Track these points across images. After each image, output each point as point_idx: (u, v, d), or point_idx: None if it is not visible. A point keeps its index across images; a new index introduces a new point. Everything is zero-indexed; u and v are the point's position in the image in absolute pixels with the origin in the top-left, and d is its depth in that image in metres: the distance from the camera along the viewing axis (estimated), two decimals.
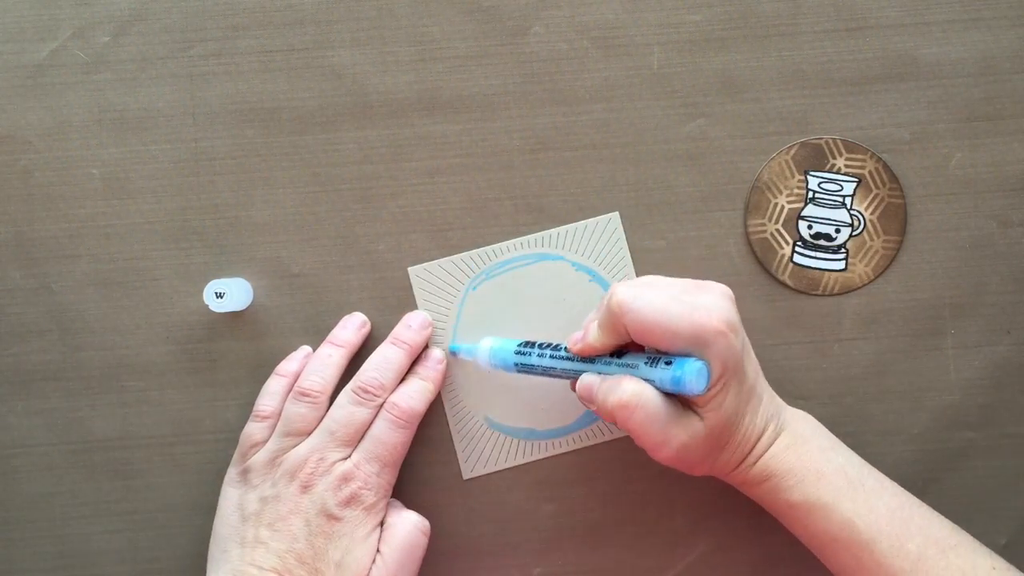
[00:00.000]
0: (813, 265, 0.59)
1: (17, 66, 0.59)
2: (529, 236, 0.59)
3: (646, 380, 0.50)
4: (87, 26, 0.59)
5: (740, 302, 0.59)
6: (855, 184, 0.59)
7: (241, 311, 0.59)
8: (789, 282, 0.59)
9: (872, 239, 0.59)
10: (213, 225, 0.59)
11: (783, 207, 0.59)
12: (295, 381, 0.57)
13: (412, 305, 0.59)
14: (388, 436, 0.55)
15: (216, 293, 0.56)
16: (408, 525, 0.56)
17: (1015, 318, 0.59)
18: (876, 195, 0.59)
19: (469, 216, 0.59)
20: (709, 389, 0.50)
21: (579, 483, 0.59)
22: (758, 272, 0.59)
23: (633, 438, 0.52)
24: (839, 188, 0.59)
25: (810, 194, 0.59)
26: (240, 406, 0.59)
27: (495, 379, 0.59)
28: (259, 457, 0.56)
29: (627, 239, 0.59)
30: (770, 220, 0.59)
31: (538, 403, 0.59)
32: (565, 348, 0.54)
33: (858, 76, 0.59)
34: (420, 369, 0.58)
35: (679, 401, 0.52)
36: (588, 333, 0.53)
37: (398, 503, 0.58)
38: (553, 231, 0.59)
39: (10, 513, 0.60)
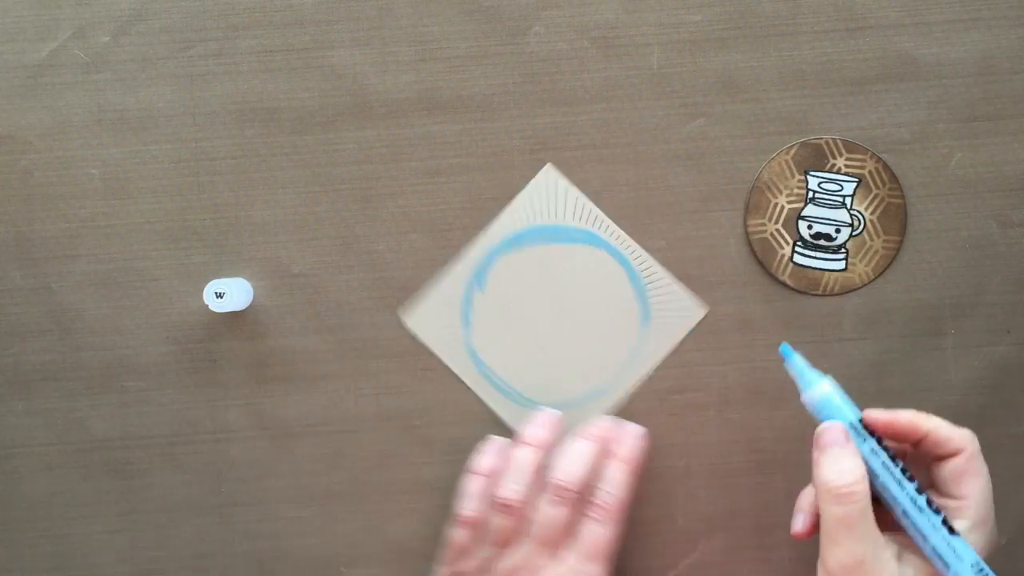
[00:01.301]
0: (813, 265, 0.59)
1: (17, 66, 0.59)
2: (638, 247, 0.59)
3: (931, 534, 0.45)
4: (87, 26, 0.59)
5: (740, 302, 0.59)
6: (855, 184, 0.59)
7: (241, 311, 0.59)
8: (789, 282, 0.59)
9: (872, 239, 0.59)
10: (213, 225, 0.60)
11: (783, 207, 0.59)
12: (498, 479, 0.56)
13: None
14: (599, 535, 0.54)
15: (216, 293, 0.56)
16: None
17: (1015, 318, 0.59)
18: (876, 195, 0.59)
19: (469, 216, 0.59)
20: None
21: None
22: (758, 272, 0.59)
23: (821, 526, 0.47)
24: (839, 188, 0.59)
25: (810, 194, 0.59)
26: (240, 406, 0.59)
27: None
28: (473, 565, 0.55)
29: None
30: (770, 220, 0.59)
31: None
32: (909, 478, 0.47)
33: (858, 76, 0.59)
34: (622, 451, 0.56)
35: (902, 542, 0.48)
36: (897, 416, 0.49)
37: None
38: (657, 267, 0.59)
39: (10, 513, 0.60)
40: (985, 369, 0.59)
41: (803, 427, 0.59)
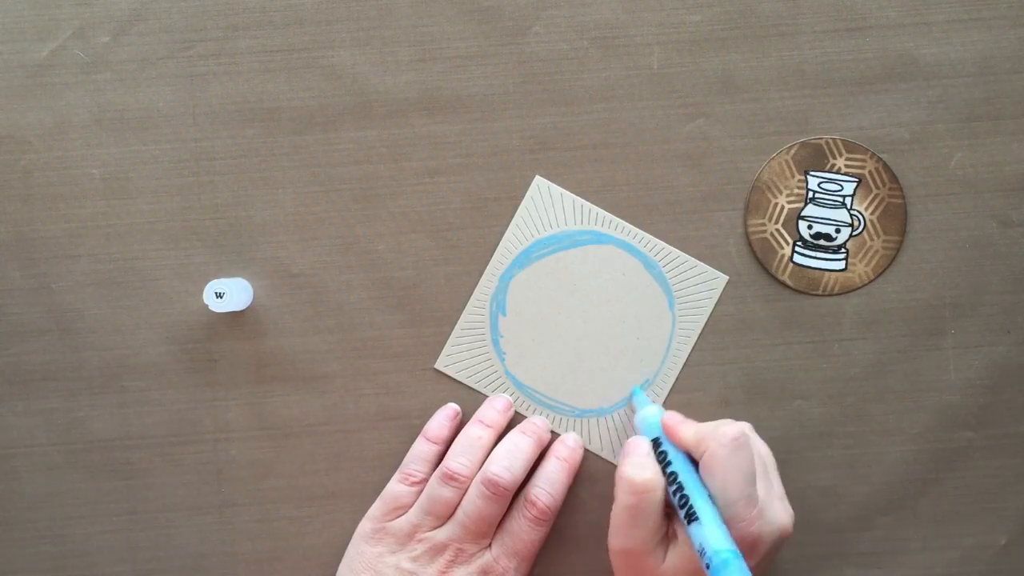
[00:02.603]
0: (813, 265, 0.59)
1: (17, 66, 0.59)
2: (643, 232, 0.59)
3: (706, 534, 0.49)
4: (87, 26, 0.59)
5: (740, 302, 0.59)
6: (855, 184, 0.59)
7: (241, 311, 0.59)
8: (789, 282, 0.59)
9: (872, 239, 0.59)
10: (213, 225, 0.59)
11: (783, 207, 0.59)
12: (445, 449, 0.57)
13: (412, 307, 0.59)
14: (527, 535, 0.56)
15: (216, 293, 0.56)
16: None
17: (1015, 318, 0.59)
18: (876, 195, 0.59)
19: (469, 216, 0.59)
20: None
21: (579, 483, 0.59)
22: (758, 272, 0.59)
23: (613, 510, 0.52)
24: (839, 188, 0.59)
25: (810, 194, 0.59)
26: (240, 406, 0.59)
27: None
28: (399, 525, 0.56)
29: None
30: (770, 220, 0.59)
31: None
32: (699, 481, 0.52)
33: (858, 76, 0.59)
34: (560, 449, 0.58)
35: (671, 530, 0.52)
36: (686, 425, 0.54)
37: None
38: (668, 247, 0.59)
39: (10, 513, 0.60)
40: (985, 369, 0.59)
41: (803, 427, 0.59)
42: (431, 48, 0.59)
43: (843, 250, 0.59)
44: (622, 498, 0.52)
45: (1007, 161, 0.59)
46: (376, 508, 0.57)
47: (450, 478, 0.56)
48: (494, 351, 0.59)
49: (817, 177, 0.59)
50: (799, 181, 0.59)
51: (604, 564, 0.59)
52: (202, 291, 0.57)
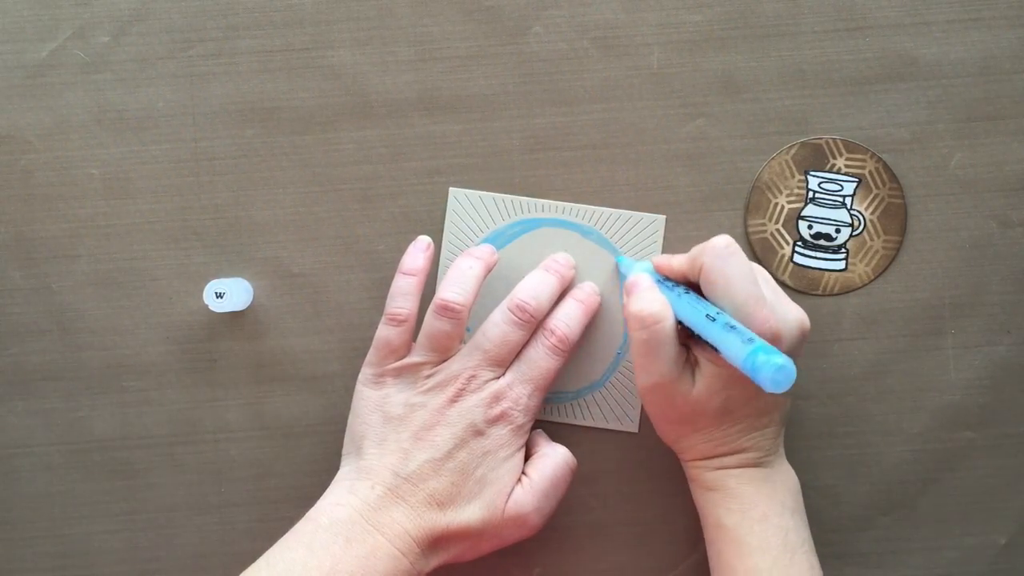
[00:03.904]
0: (813, 265, 0.59)
1: (17, 66, 0.59)
2: (570, 204, 0.59)
3: (729, 339, 0.49)
4: (87, 26, 0.59)
5: None
6: (855, 184, 0.59)
7: (241, 311, 0.59)
8: (789, 282, 0.59)
9: (872, 239, 0.59)
10: (213, 225, 0.59)
11: (783, 207, 0.59)
12: (424, 280, 0.56)
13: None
14: (544, 362, 0.55)
15: (216, 293, 0.56)
16: (560, 458, 0.56)
17: (1015, 318, 0.59)
18: (876, 195, 0.59)
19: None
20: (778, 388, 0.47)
21: (579, 483, 0.59)
22: None
23: (631, 351, 0.53)
24: (839, 188, 0.59)
25: (810, 194, 0.59)
26: (240, 406, 0.59)
27: None
28: (402, 366, 0.55)
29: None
30: (770, 220, 0.59)
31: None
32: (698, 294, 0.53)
33: (858, 76, 0.59)
34: (577, 292, 0.58)
35: (692, 356, 0.53)
36: (675, 258, 0.55)
37: (546, 436, 0.57)
38: (598, 209, 0.59)
39: (10, 513, 0.60)
40: (985, 369, 0.59)
41: (803, 427, 0.59)
42: (431, 48, 0.59)
43: (843, 250, 0.59)
44: (636, 335, 0.52)
45: (1007, 161, 0.59)
46: (371, 355, 0.56)
47: (445, 309, 0.54)
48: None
49: (817, 177, 0.59)
50: (799, 181, 0.59)
51: (604, 564, 0.59)
52: (202, 291, 0.57)
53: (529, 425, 0.55)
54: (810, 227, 0.59)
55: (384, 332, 0.55)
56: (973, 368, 0.59)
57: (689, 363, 0.53)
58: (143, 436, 0.60)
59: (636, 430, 0.59)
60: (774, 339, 0.50)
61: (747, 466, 0.53)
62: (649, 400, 0.54)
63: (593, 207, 0.59)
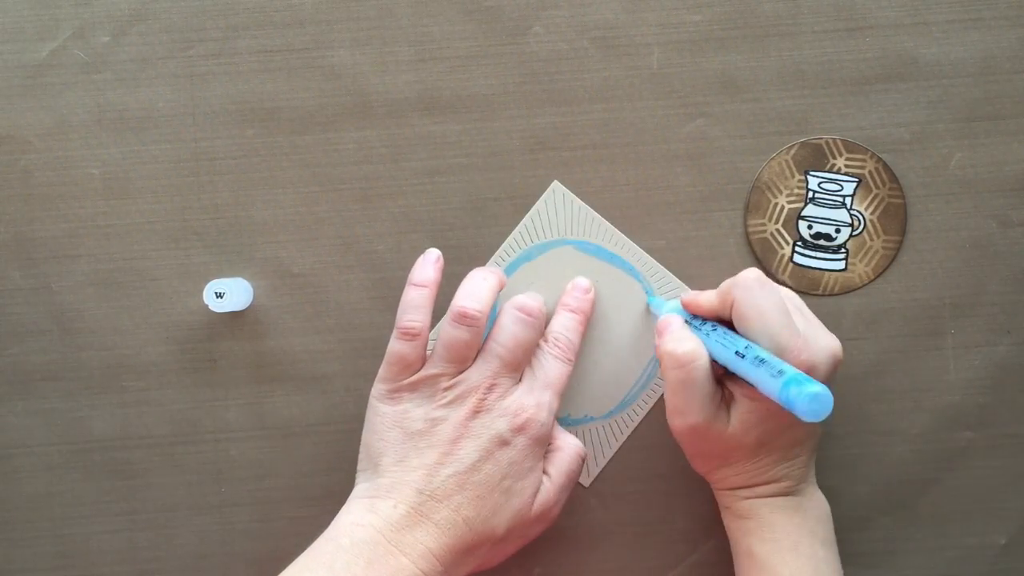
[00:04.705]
0: (813, 265, 0.59)
1: (17, 66, 0.59)
2: (645, 255, 0.59)
3: (760, 373, 0.49)
4: (87, 26, 0.59)
5: None
6: (855, 184, 0.59)
7: (241, 311, 0.59)
8: (789, 282, 0.59)
9: (872, 239, 0.59)
10: (213, 225, 0.60)
11: (783, 207, 0.59)
12: (435, 292, 0.55)
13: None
14: (556, 367, 0.55)
15: (216, 293, 0.56)
16: (574, 450, 0.55)
17: (1015, 318, 0.59)
18: (876, 195, 0.59)
19: (469, 216, 0.59)
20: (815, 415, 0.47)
21: (579, 483, 0.59)
22: None
23: (664, 391, 0.53)
24: (839, 188, 0.59)
25: (810, 194, 0.59)
26: (240, 406, 0.59)
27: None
28: (419, 379, 0.54)
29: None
30: (770, 220, 0.59)
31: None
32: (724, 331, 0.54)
33: (858, 76, 0.59)
34: (570, 301, 0.58)
35: (727, 392, 0.53)
36: (703, 295, 0.55)
37: (558, 425, 0.57)
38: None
39: (10, 513, 0.60)
40: (985, 369, 0.59)
41: None
42: (431, 48, 0.59)
43: (843, 250, 0.59)
44: (671, 374, 0.52)
45: (1007, 161, 0.59)
46: (384, 371, 0.55)
47: (463, 316, 0.54)
48: None
49: (817, 177, 0.59)
50: (799, 181, 0.59)
51: (604, 564, 0.59)
52: (202, 291, 0.57)
53: (550, 432, 0.55)
54: (810, 227, 0.59)
55: (397, 347, 0.54)
56: (973, 368, 0.59)
57: (724, 400, 0.53)
58: (143, 436, 0.60)
59: (587, 485, 0.59)
60: (809, 370, 0.50)
61: (779, 495, 0.53)
62: (683, 439, 0.54)
63: (666, 272, 0.59)
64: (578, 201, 0.59)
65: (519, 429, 0.53)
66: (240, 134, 0.59)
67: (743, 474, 0.53)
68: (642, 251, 0.59)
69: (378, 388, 0.55)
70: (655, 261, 0.59)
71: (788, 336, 0.50)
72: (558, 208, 0.59)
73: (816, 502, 0.55)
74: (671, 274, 0.59)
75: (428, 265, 0.56)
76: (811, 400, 0.46)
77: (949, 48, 0.59)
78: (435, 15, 0.59)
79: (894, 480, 0.59)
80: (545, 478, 0.54)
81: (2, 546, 0.60)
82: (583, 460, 0.56)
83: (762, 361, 0.49)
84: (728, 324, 0.54)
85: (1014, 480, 0.59)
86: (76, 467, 0.60)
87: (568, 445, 0.55)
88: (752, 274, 0.52)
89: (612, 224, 0.59)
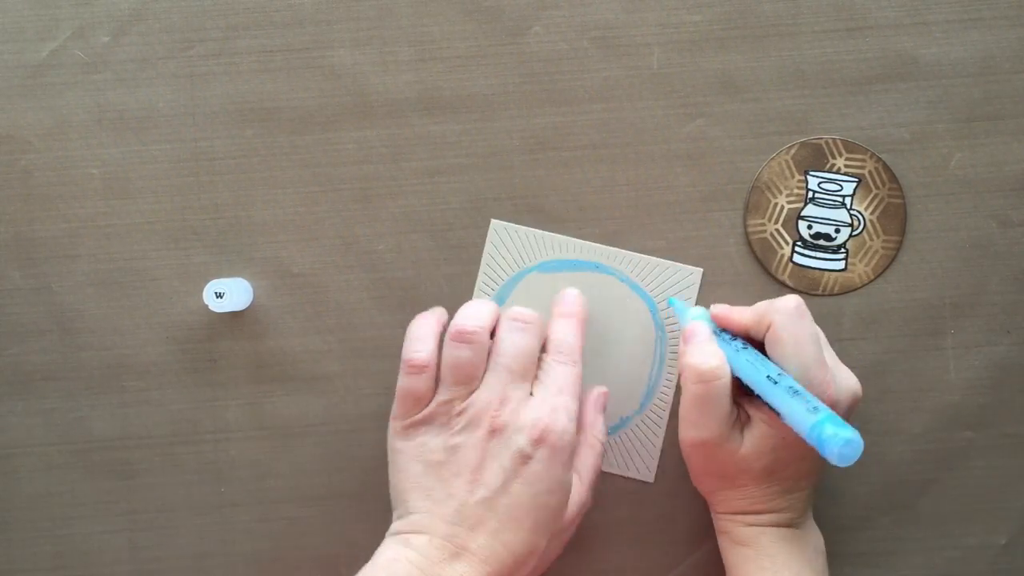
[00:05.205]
0: (813, 265, 0.59)
1: (17, 66, 0.59)
2: (609, 248, 0.59)
3: (793, 404, 0.48)
4: (87, 26, 0.59)
5: (740, 302, 0.59)
6: (855, 184, 0.59)
7: (241, 311, 0.59)
8: (789, 282, 0.59)
9: (872, 239, 0.59)
10: (213, 225, 0.60)
11: (783, 207, 0.59)
12: (441, 327, 0.55)
13: (412, 307, 0.59)
14: (564, 372, 0.54)
15: (216, 293, 0.56)
16: (595, 441, 0.55)
17: (1015, 318, 0.59)
18: (876, 195, 0.59)
19: (469, 216, 0.59)
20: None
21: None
22: (758, 272, 0.59)
23: (681, 402, 0.53)
24: (839, 188, 0.59)
25: (810, 194, 0.59)
26: (240, 406, 0.59)
27: None
28: (431, 411, 0.53)
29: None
30: (770, 220, 0.59)
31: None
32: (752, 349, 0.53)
33: (858, 76, 0.59)
34: (561, 307, 0.56)
35: (743, 413, 0.52)
36: (738, 311, 0.55)
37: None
38: (636, 256, 0.59)
39: (10, 513, 0.60)
40: (985, 369, 0.59)
41: None
42: (431, 48, 0.59)
43: (843, 250, 0.59)
44: (691, 388, 0.52)
45: (1007, 161, 0.59)
46: (396, 408, 0.54)
47: (462, 334, 0.53)
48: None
49: (817, 177, 0.59)
50: (799, 181, 0.59)
51: (604, 564, 0.59)
52: (202, 291, 0.57)
53: (573, 434, 0.53)
54: (810, 227, 0.59)
55: (407, 383, 0.53)
56: (973, 368, 0.59)
57: (739, 421, 0.53)
58: (143, 436, 0.60)
59: (651, 480, 0.59)
60: (832, 405, 0.50)
61: (781, 525, 0.53)
62: (692, 454, 0.53)
63: (632, 253, 0.59)
64: (521, 228, 0.59)
65: (538, 441, 0.51)
66: (240, 134, 0.59)
67: (747, 499, 0.53)
68: (601, 245, 0.59)
69: (393, 426, 0.54)
70: (616, 249, 0.59)
71: (818, 370, 0.50)
72: (506, 243, 0.59)
73: (814, 534, 0.55)
74: (633, 252, 0.59)
75: (435, 312, 0.56)
76: (844, 445, 0.46)
77: (949, 48, 0.59)
78: (435, 15, 0.59)
79: (894, 480, 0.59)
80: (575, 476, 0.54)
81: (2, 546, 0.60)
82: (604, 448, 0.56)
83: (796, 392, 0.49)
84: (755, 344, 0.53)
85: (1014, 480, 0.59)
86: (76, 467, 0.60)
87: (588, 442, 0.55)
88: (793, 302, 0.52)
89: (609, 224, 0.59)
